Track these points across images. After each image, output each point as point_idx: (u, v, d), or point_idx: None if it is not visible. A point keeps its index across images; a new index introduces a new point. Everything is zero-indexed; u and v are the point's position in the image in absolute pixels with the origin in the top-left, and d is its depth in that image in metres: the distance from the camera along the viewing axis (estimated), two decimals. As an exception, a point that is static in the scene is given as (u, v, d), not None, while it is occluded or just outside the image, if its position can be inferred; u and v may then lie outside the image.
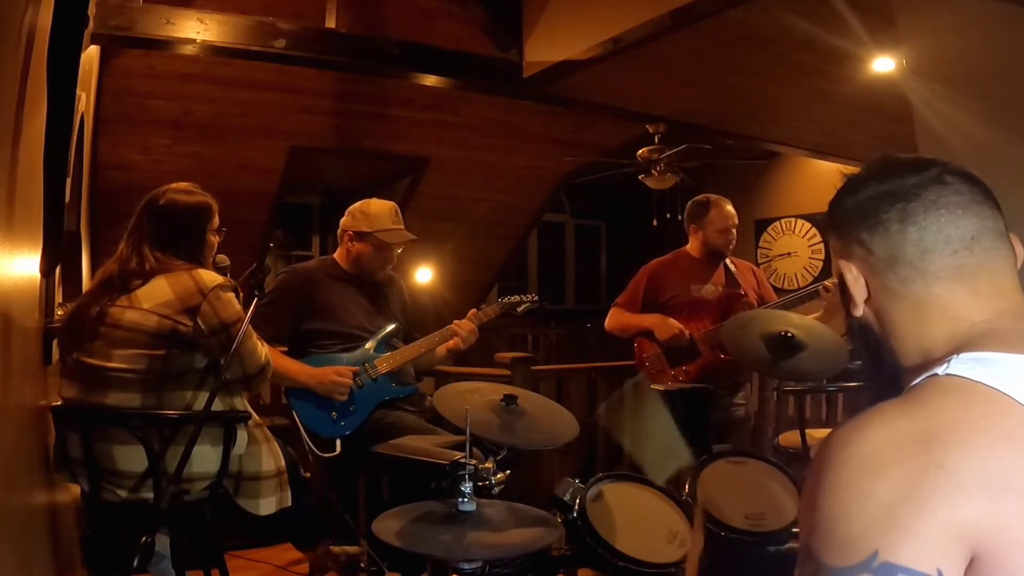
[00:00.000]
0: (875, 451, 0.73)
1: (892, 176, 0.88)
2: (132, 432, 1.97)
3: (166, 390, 2.03)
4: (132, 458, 1.99)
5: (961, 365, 0.77)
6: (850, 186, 0.92)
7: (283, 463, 2.24)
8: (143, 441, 1.96)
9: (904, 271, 0.86)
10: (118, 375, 2.01)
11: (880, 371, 0.90)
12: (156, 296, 2.04)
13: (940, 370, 0.78)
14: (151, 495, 1.98)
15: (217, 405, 1.98)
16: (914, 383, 0.80)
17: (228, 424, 2.07)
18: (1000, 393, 0.73)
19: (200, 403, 2.06)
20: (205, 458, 2.03)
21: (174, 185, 2.22)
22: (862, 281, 0.89)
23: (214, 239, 2.25)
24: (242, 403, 2.21)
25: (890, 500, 0.70)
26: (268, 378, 2.20)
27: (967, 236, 0.84)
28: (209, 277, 2.09)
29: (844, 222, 0.91)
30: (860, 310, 0.90)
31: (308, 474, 2.47)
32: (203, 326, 2.03)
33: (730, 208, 3.37)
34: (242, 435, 2.11)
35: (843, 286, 0.92)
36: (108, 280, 2.10)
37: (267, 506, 2.16)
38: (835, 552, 0.71)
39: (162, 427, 2.01)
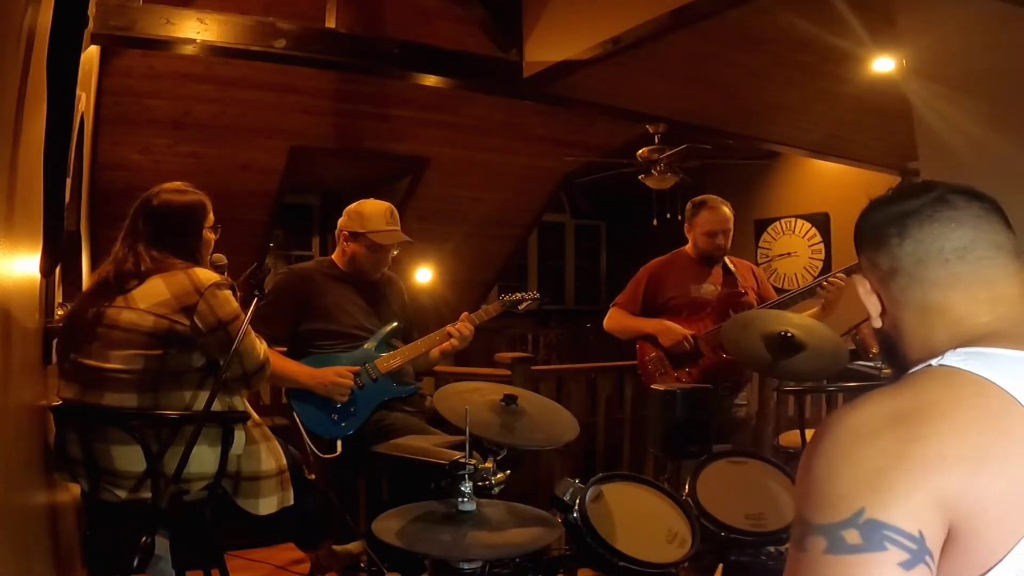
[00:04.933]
0: (865, 422, 0.78)
1: (900, 199, 0.97)
2: (130, 433, 1.96)
3: (163, 390, 2.03)
4: (131, 458, 1.98)
5: (955, 357, 0.83)
6: (868, 209, 1.01)
7: (284, 462, 2.23)
8: (141, 441, 1.96)
9: (903, 280, 0.93)
10: (115, 376, 2.00)
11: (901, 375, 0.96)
12: (153, 296, 2.03)
13: (935, 361, 0.84)
14: (150, 495, 1.98)
15: (216, 405, 1.97)
16: (910, 371, 0.87)
17: (226, 424, 2.05)
18: (986, 381, 0.78)
19: (199, 403, 2.05)
20: (203, 458, 2.02)
21: (167, 185, 2.22)
22: (874, 296, 0.98)
23: (210, 236, 2.25)
24: (241, 403, 2.20)
25: (878, 464, 0.75)
26: (268, 376, 2.19)
27: (959, 247, 0.90)
28: (205, 275, 2.09)
29: (860, 242, 1.00)
30: (878, 322, 0.99)
31: (312, 476, 2.45)
32: (200, 325, 2.03)
33: (724, 211, 3.29)
34: (240, 435, 2.10)
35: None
36: (105, 281, 2.09)
37: (267, 506, 2.15)
38: (823, 510, 0.76)
39: (159, 427, 2.00)
